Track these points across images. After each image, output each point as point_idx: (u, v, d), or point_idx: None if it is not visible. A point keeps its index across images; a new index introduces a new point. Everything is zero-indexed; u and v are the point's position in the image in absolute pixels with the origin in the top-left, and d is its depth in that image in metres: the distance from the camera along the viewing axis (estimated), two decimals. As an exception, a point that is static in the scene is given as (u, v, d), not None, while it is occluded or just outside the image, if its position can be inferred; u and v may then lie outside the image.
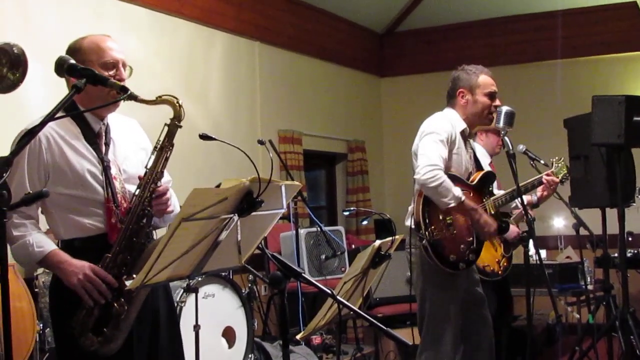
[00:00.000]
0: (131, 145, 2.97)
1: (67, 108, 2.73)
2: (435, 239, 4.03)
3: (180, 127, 2.76)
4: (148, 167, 2.76)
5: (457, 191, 4.03)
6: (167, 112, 2.76)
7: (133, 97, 2.65)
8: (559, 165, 4.94)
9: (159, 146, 2.76)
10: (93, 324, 2.67)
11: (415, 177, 4.02)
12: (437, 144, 4.05)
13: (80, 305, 2.68)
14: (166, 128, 2.76)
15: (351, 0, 8.38)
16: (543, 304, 7.04)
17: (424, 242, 4.01)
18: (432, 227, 4.04)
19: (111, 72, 2.80)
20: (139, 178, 2.77)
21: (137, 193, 2.75)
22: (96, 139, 2.84)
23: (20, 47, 2.79)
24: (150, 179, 2.75)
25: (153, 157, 2.76)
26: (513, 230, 5.24)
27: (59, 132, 2.77)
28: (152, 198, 2.75)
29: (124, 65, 2.86)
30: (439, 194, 3.98)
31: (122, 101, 2.74)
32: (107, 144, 2.87)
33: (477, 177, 4.33)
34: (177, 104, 2.74)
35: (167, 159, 2.77)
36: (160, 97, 2.72)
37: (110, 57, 2.82)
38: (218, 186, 2.44)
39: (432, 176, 3.94)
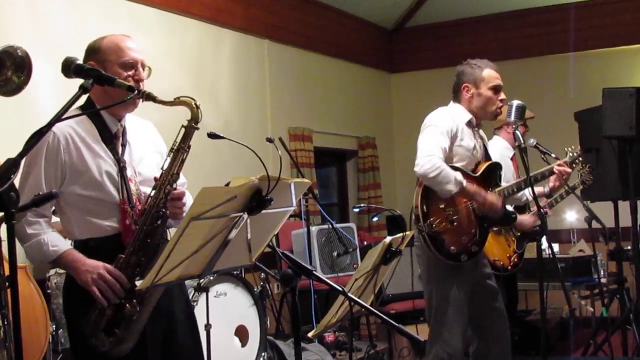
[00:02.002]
0: (147, 147, 2.96)
1: (84, 107, 2.73)
2: (434, 231, 4.02)
3: (197, 129, 2.74)
4: (164, 168, 2.75)
5: (458, 175, 4.02)
6: (176, 113, 2.75)
7: (152, 98, 2.64)
8: (574, 155, 4.81)
9: (175, 148, 2.74)
10: (105, 325, 2.66)
11: (414, 169, 4.01)
12: (435, 135, 4.05)
13: (93, 306, 2.67)
14: (183, 130, 2.74)
15: (360, -4, 8.37)
16: (556, 298, 7.04)
17: (422, 233, 3.99)
18: (431, 218, 4.03)
19: (130, 73, 2.79)
20: (155, 180, 2.76)
21: (152, 194, 2.74)
22: (113, 139, 2.83)
23: (24, 50, 2.78)
24: (166, 180, 2.73)
25: (169, 158, 2.74)
26: (529, 220, 5.18)
27: (77, 132, 2.76)
28: (168, 200, 2.74)
29: (143, 66, 2.85)
30: (440, 182, 3.96)
31: (140, 101, 2.73)
32: (123, 145, 2.86)
33: (481, 168, 4.31)
34: (195, 106, 2.71)
35: (183, 161, 2.75)
36: (178, 98, 2.70)
37: (129, 57, 2.80)
38: (227, 185, 2.45)
39: (431, 165, 3.93)
